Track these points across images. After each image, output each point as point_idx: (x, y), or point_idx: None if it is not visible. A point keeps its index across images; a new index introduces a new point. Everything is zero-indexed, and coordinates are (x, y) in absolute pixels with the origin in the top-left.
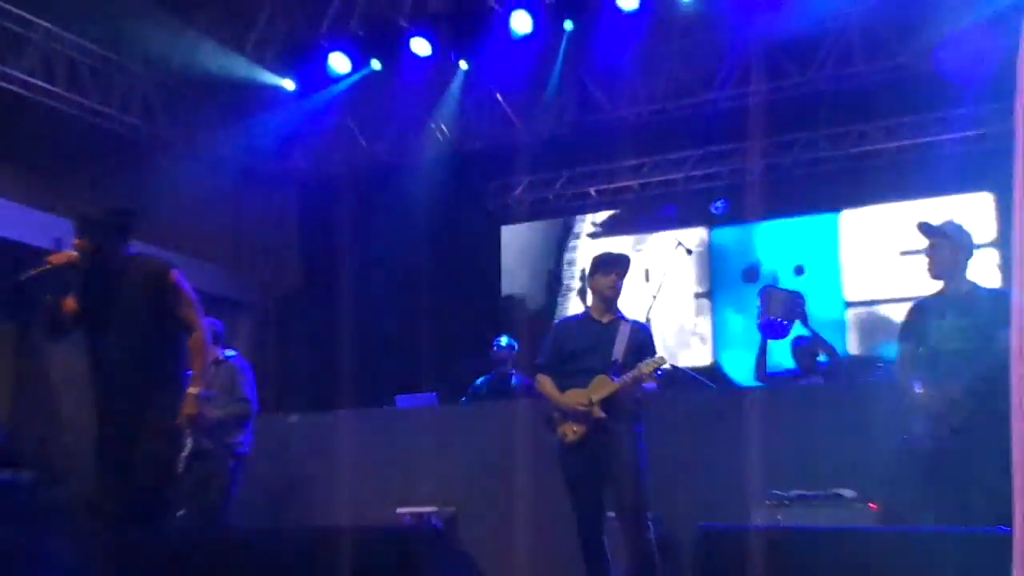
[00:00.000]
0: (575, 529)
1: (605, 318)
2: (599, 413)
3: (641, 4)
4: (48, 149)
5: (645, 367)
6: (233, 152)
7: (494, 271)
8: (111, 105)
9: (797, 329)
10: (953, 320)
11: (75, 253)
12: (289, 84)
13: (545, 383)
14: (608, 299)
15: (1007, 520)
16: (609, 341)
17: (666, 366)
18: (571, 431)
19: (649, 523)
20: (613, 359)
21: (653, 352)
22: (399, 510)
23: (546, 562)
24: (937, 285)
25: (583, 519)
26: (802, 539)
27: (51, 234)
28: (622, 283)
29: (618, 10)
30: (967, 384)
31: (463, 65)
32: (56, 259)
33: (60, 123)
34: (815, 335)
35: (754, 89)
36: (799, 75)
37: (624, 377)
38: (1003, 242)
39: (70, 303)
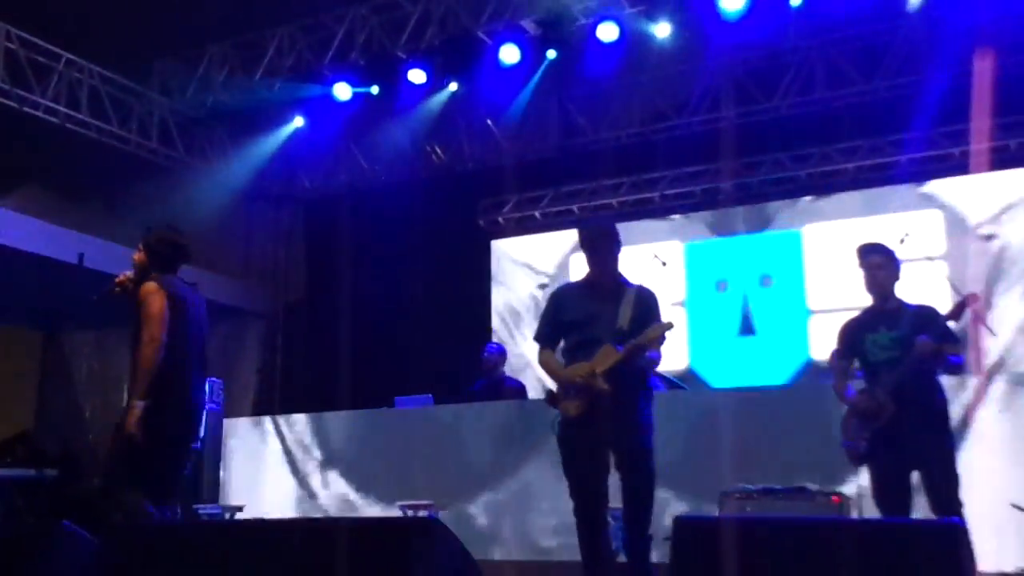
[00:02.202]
0: (565, 521)
1: (608, 284)
2: (602, 385)
3: (620, 36)
4: (72, 171)
5: (652, 332)
6: (244, 174)
7: (485, 282)
8: (131, 131)
9: None
10: (885, 333)
11: (129, 273)
12: (299, 120)
13: (544, 357)
14: (604, 268)
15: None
16: (613, 309)
17: (670, 331)
18: (573, 407)
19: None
20: (618, 327)
21: (658, 318)
22: (398, 504)
23: (535, 555)
24: (868, 300)
25: (581, 505)
26: (771, 529)
27: (74, 250)
28: (599, 255)
29: (599, 41)
30: (892, 388)
31: (453, 87)
32: (121, 280)
33: (83, 147)
34: None
35: (724, 114)
36: (765, 101)
37: (628, 345)
38: (950, 256)
39: None
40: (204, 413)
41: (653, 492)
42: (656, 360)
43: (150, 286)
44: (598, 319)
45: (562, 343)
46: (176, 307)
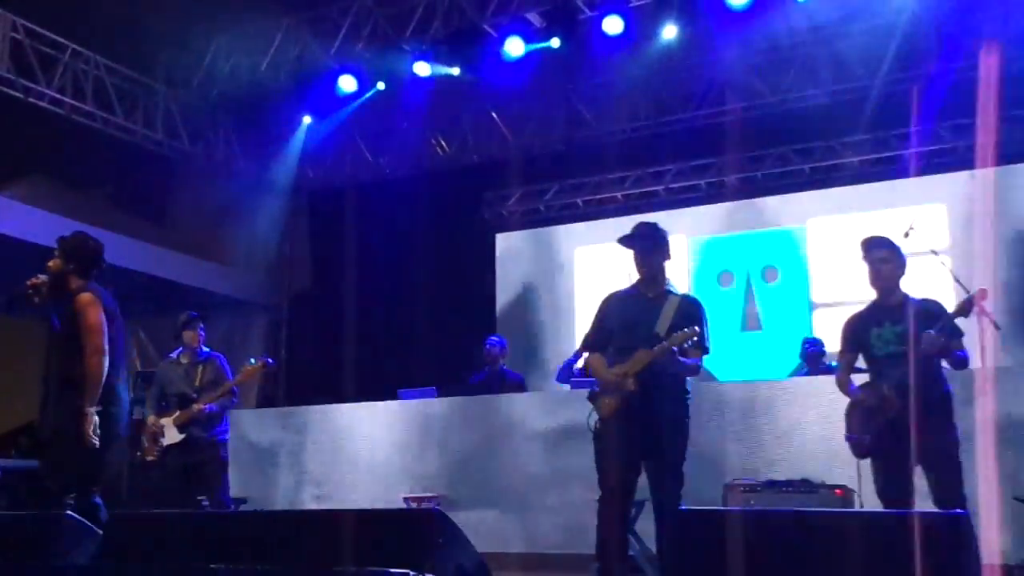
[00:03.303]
0: (566, 513)
1: (651, 292)
2: (631, 386)
3: (625, 29)
4: (77, 162)
5: (678, 336)
6: (249, 166)
7: (490, 274)
8: (136, 122)
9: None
10: (889, 327)
11: (43, 277)
12: (307, 119)
13: (591, 360)
14: (644, 275)
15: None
16: (654, 316)
17: (695, 338)
18: (606, 405)
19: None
20: (655, 332)
21: (701, 328)
22: (402, 496)
23: (538, 546)
24: (873, 295)
25: (607, 497)
26: (773, 521)
27: None
28: (646, 258)
29: (604, 35)
30: (897, 382)
31: (455, 71)
32: (35, 283)
33: (88, 138)
34: None
35: (729, 108)
36: (771, 95)
37: (654, 348)
38: (955, 250)
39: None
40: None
41: (679, 489)
42: (691, 367)
43: (87, 297)
44: (638, 326)
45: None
46: (108, 317)
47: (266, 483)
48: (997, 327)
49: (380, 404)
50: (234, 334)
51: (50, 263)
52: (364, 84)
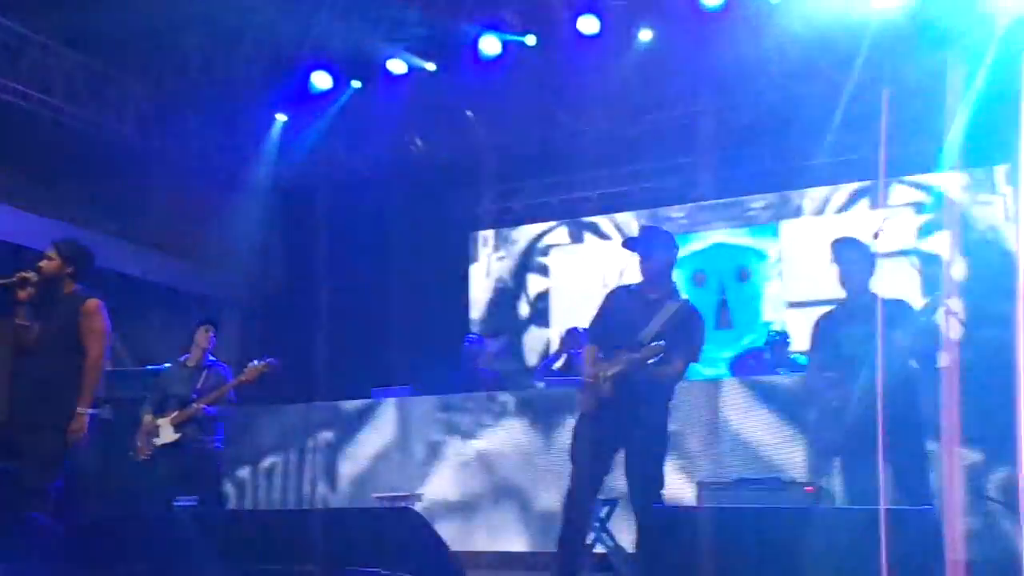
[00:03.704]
0: (540, 512)
1: (653, 294)
2: (607, 391)
3: (601, 29)
4: (46, 157)
5: (647, 351)
6: (222, 162)
7: (464, 273)
8: (106, 115)
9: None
10: (858, 327)
11: (35, 273)
12: (281, 116)
13: (586, 351)
14: (645, 278)
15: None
16: (645, 320)
17: (657, 355)
18: (584, 401)
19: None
20: (640, 338)
21: (692, 336)
22: (375, 495)
23: (510, 545)
24: (843, 294)
25: (572, 491)
26: (743, 518)
27: (47, 237)
28: (646, 261)
29: (580, 34)
30: (866, 383)
31: (430, 67)
32: (28, 278)
33: (57, 132)
34: None
35: (704, 108)
36: (745, 96)
37: (624, 357)
38: (922, 251)
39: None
40: None
41: (656, 491)
42: (669, 376)
43: (96, 303)
44: (628, 327)
45: None
46: None
47: (237, 482)
48: (963, 326)
49: (354, 402)
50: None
51: (45, 264)
52: (339, 80)
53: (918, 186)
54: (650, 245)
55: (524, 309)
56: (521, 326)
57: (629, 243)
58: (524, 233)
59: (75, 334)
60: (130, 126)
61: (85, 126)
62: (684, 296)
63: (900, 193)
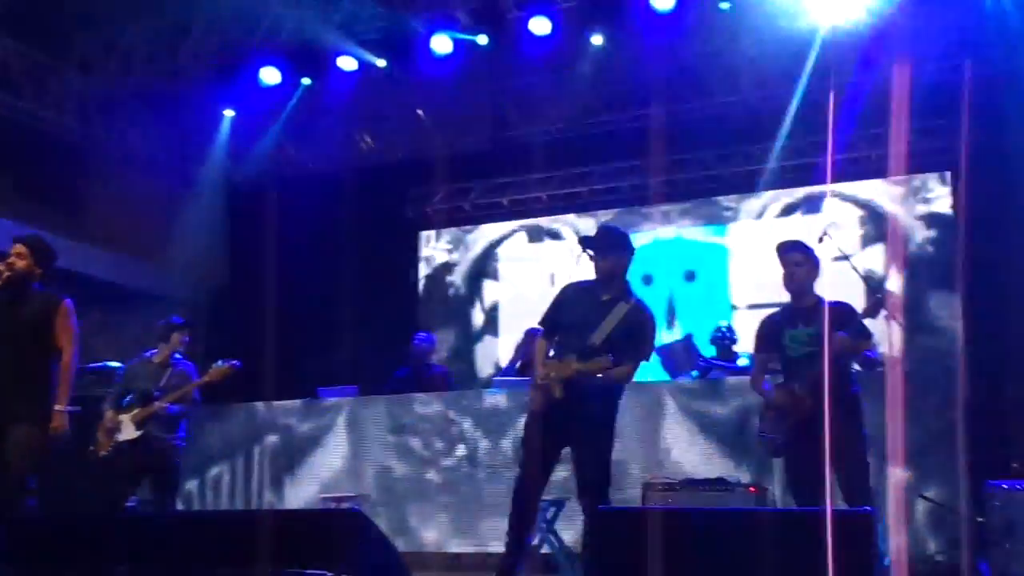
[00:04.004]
0: (486, 513)
1: (605, 294)
2: (557, 393)
3: (552, 30)
4: None
5: (595, 364)
6: (167, 156)
7: (413, 272)
8: (46, 107)
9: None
10: (803, 329)
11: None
12: (229, 112)
13: (537, 346)
14: (599, 277)
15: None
16: (597, 321)
17: (604, 372)
18: (534, 400)
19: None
20: (590, 342)
21: (642, 339)
22: (321, 496)
23: (456, 545)
24: (786, 297)
25: (518, 487)
26: (691, 519)
27: None
28: (600, 261)
29: (531, 35)
30: (809, 382)
31: (381, 63)
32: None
33: None
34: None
35: (654, 111)
36: (694, 100)
37: (575, 365)
38: (866, 254)
39: None
40: None
41: (603, 489)
42: (620, 378)
43: (70, 305)
44: (581, 328)
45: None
46: None
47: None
48: (903, 328)
49: (300, 402)
50: (150, 330)
51: (18, 261)
52: (288, 76)
53: (859, 193)
54: (605, 244)
55: (472, 309)
56: (470, 325)
57: (584, 241)
58: (473, 233)
59: (49, 332)
60: (71, 118)
61: (24, 117)
62: (636, 296)
63: (845, 198)
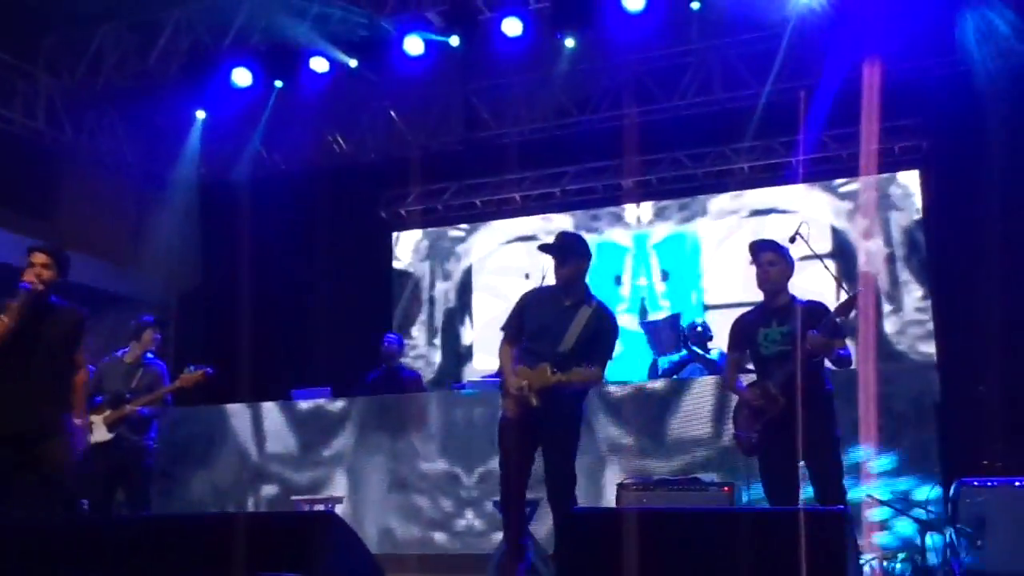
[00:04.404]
0: (464, 514)
1: (567, 300)
2: (534, 402)
3: (524, 31)
4: None
5: (578, 374)
6: (139, 159)
7: (386, 274)
8: (15, 110)
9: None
10: (776, 327)
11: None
12: (200, 113)
13: (502, 352)
14: (559, 283)
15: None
16: (563, 327)
17: (595, 385)
18: (509, 407)
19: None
20: (560, 350)
21: (607, 341)
22: (294, 498)
23: (432, 547)
24: (759, 296)
25: (506, 490)
26: (664, 519)
27: None
28: (560, 267)
29: (503, 36)
30: (782, 381)
31: (352, 63)
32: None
33: None
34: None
35: (626, 112)
36: (665, 100)
37: (558, 375)
38: (838, 254)
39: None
40: None
41: (573, 488)
42: (591, 382)
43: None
44: (547, 333)
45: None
46: None
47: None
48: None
49: (272, 404)
50: (116, 334)
51: (44, 272)
52: (259, 78)
53: (834, 189)
54: (564, 250)
55: (445, 310)
56: (442, 326)
57: (544, 247)
58: (447, 234)
59: (76, 346)
60: (41, 122)
61: None
62: (597, 299)
63: (817, 196)
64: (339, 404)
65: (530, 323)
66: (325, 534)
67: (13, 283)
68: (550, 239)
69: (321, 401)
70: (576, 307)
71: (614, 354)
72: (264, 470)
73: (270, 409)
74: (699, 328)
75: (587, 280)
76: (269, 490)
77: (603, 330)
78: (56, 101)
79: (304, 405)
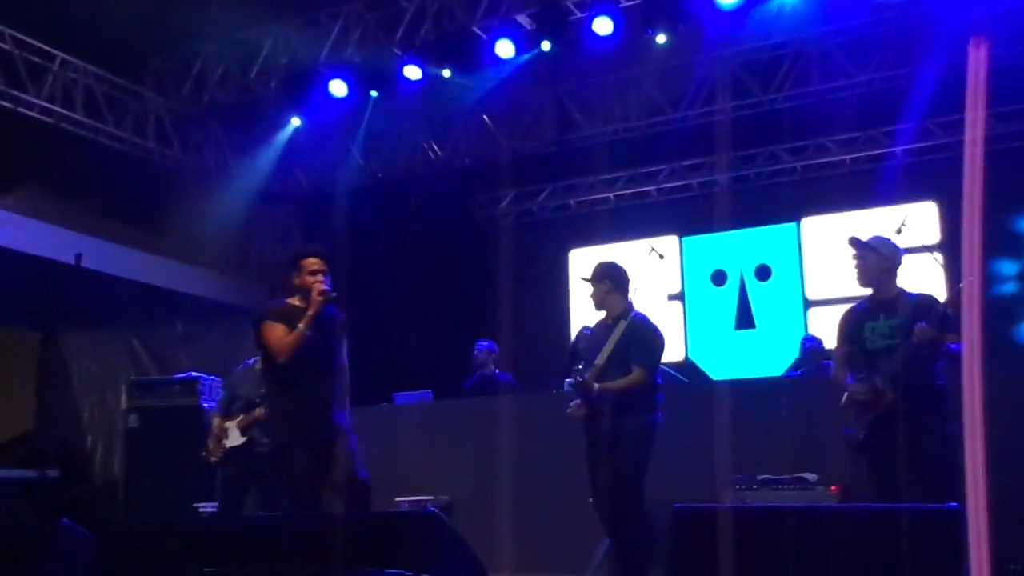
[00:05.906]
0: (559, 515)
1: (608, 320)
2: (581, 415)
3: (615, 29)
4: (68, 171)
5: (615, 384)
6: (241, 172)
7: (484, 278)
8: (126, 130)
9: None
10: (884, 321)
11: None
12: (295, 120)
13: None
14: (597, 306)
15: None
16: (602, 343)
17: (641, 387)
18: (577, 414)
19: (628, 509)
20: (596, 363)
21: (645, 344)
22: (397, 499)
23: (532, 547)
24: (868, 291)
25: (595, 494)
26: (768, 517)
27: (71, 250)
28: (593, 293)
29: (594, 35)
30: (890, 376)
31: (446, 73)
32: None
33: (79, 146)
34: None
35: (720, 107)
36: (761, 94)
37: (593, 389)
38: (946, 245)
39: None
40: None
41: (623, 503)
42: (636, 382)
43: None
44: (590, 350)
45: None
46: None
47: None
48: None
49: (376, 408)
50: (227, 341)
51: (324, 280)
52: (355, 88)
53: (941, 178)
54: (591, 279)
55: (543, 312)
56: (540, 329)
57: (586, 278)
58: (543, 236)
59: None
60: (150, 140)
61: (106, 140)
62: (637, 312)
63: (923, 186)
64: (442, 406)
65: (582, 347)
66: (429, 533)
67: (124, 297)
68: (647, 240)
69: (423, 404)
70: (615, 323)
71: (659, 359)
72: (374, 472)
73: (373, 412)
74: (809, 344)
75: (626, 298)
76: (374, 491)
77: (639, 337)
78: (164, 119)
79: (407, 408)
